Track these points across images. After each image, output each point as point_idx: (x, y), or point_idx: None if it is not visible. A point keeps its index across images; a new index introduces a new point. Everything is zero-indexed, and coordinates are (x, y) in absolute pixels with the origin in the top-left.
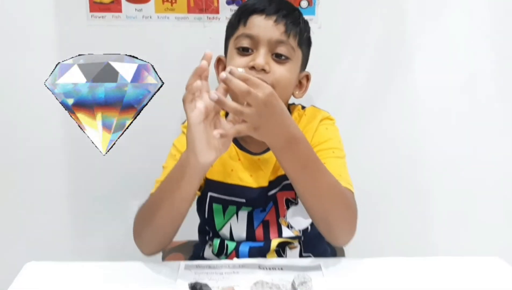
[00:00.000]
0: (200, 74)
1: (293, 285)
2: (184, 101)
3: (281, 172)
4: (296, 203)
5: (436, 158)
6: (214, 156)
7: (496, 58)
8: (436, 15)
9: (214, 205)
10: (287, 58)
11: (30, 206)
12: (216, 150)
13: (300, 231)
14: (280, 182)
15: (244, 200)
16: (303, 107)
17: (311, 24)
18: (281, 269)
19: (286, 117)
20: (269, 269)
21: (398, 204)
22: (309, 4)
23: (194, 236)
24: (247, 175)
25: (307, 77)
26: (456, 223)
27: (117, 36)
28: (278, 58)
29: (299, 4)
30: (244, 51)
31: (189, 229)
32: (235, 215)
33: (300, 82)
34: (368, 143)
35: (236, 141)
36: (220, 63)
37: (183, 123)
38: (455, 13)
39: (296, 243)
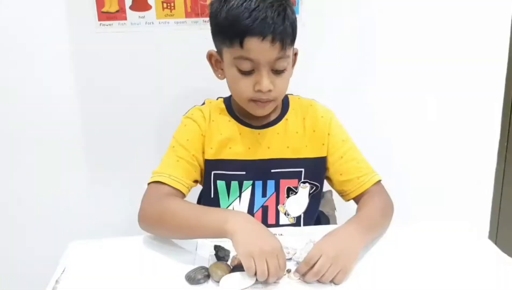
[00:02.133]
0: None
1: (307, 244)
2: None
3: (288, 154)
4: (296, 193)
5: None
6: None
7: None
8: (406, 15)
9: (218, 183)
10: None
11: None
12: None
13: (294, 218)
14: (283, 165)
15: (244, 173)
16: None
17: None
18: (281, 234)
19: (350, 246)
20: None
21: None
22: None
23: None
24: (246, 148)
25: (295, 54)
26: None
27: (123, 41)
28: (277, 73)
29: None
30: (244, 69)
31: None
32: (238, 199)
33: None
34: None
35: (237, 117)
36: (212, 57)
37: (185, 114)
38: (426, 14)
39: None
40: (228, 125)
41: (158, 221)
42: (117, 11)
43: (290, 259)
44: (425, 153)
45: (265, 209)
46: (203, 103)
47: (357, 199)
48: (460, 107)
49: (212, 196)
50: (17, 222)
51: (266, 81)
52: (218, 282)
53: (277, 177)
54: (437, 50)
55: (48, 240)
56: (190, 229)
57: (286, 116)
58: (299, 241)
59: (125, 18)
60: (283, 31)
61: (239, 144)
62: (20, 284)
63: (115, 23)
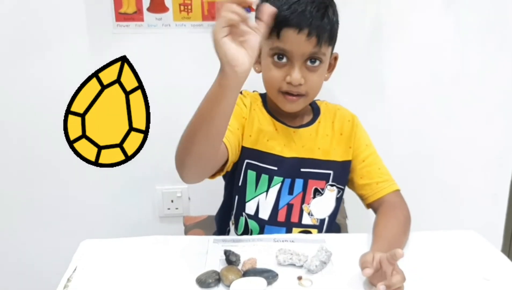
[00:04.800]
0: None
1: (319, 251)
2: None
3: (319, 155)
4: (322, 194)
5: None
6: (248, 63)
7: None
8: (408, 23)
9: (249, 172)
10: (320, 62)
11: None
12: (248, 56)
13: (318, 220)
14: (314, 165)
15: (276, 168)
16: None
17: None
18: (293, 241)
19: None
20: (282, 241)
21: None
22: None
23: (214, 212)
24: (281, 145)
25: (335, 58)
26: (435, 206)
27: (140, 42)
28: (311, 64)
29: None
30: (278, 60)
31: (209, 205)
32: (265, 193)
33: (329, 64)
34: None
35: (272, 114)
36: None
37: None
38: (424, 19)
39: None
40: (266, 118)
41: (181, 144)
42: (134, 12)
43: (301, 266)
44: (441, 163)
45: (290, 206)
46: (240, 93)
47: (375, 206)
48: (477, 117)
49: (240, 184)
50: (29, 222)
51: (297, 74)
52: (229, 286)
53: (306, 177)
54: (454, 59)
55: (60, 239)
56: (201, 117)
57: (319, 119)
58: (310, 249)
59: (142, 20)
60: (321, 26)
61: (276, 139)
62: (32, 282)
63: (132, 24)
